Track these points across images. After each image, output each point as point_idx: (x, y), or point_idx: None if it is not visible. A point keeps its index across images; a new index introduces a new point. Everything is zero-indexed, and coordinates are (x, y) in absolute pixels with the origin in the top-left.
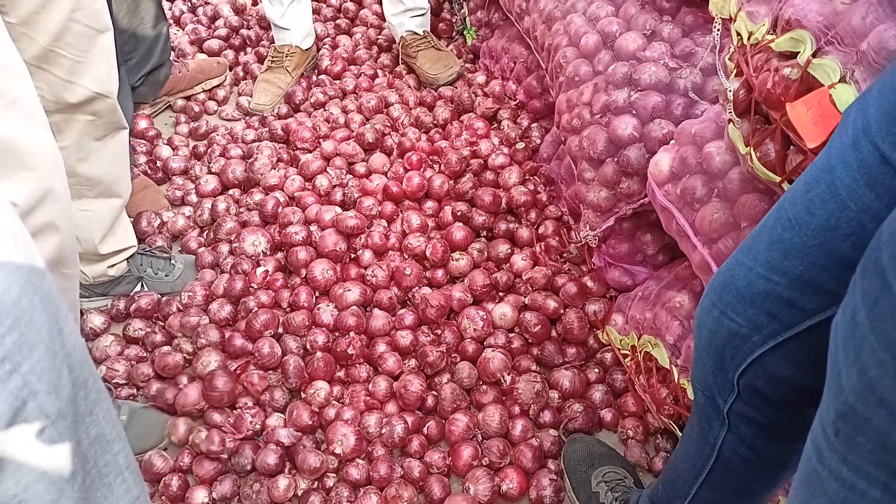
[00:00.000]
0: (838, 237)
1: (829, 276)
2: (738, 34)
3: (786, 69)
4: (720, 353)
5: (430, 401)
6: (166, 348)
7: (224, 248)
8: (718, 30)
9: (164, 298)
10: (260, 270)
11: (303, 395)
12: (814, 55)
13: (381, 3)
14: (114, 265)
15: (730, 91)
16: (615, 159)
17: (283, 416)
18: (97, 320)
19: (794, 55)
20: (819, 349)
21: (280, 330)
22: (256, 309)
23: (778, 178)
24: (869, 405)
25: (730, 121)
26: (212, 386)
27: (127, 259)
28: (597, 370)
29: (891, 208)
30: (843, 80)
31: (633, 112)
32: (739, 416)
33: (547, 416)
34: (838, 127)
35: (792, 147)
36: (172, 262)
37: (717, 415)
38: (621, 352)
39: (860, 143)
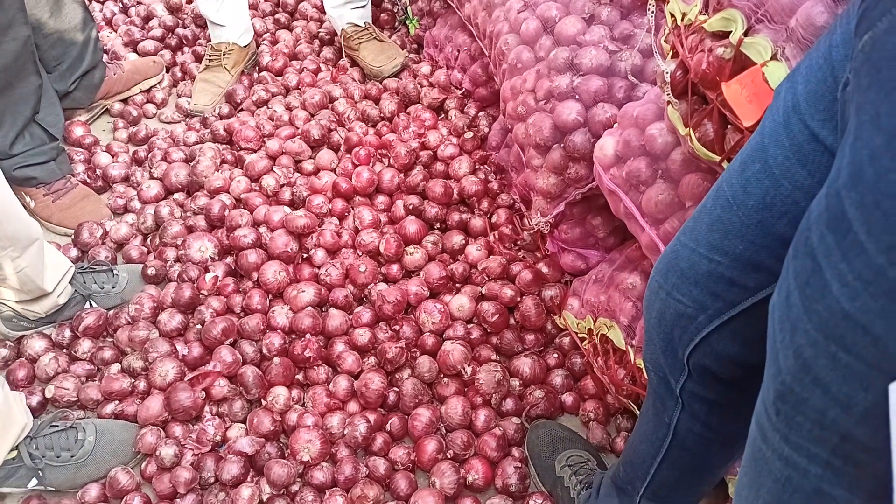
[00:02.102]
0: (774, 215)
1: (768, 253)
2: (672, 16)
3: (719, 49)
4: (669, 333)
5: (391, 397)
6: (114, 368)
7: (170, 254)
8: (653, 12)
9: (111, 312)
10: (209, 276)
11: (263, 403)
12: (745, 34)
13: None
14: (61, 293)
15: (667, 73)
16: (561, 145)
17: (243, 426)
18: (38, 345)
19: (726, 35)
20: (763, 326)
21: (235, 335)
22: (212, 318)
23: (717, 158)
24: (805, 385)
25: (668, 102)
26: (175, 400)
27: (70, 280)
28: (556, 355)
29: (823, 185)
30: (774, 57)
31: (577, 97)
32: (692, 395)
33: (509, 404)
34: (770, 106)
35: (729, 126)
36: (115, 272)
37: (670, 394)
38: (578, 335)
39: (791, 121)
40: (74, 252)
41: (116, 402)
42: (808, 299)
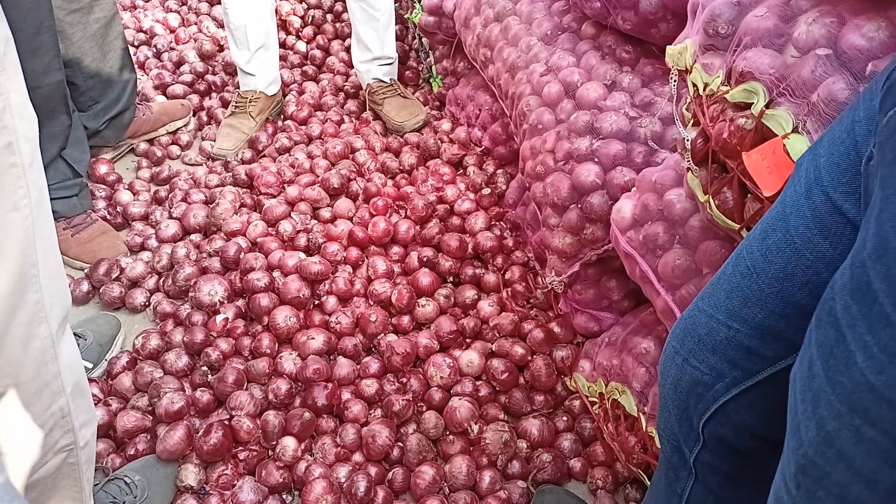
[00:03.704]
0: (795, 285)
1: (788, 323)
2: (694, 85)
3: (740, 119)
4: (684, 401)
5: (395, 452)
6: (130, 413)
7: (167, 306)
8: (675, 81)
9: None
10: (220, 318)
11: (270, 453)
12: (767, 106)
13: (348, 51)
14: None
15: (687, 140)
16: (579, 206)
17: (252, 477)
18: None
19: (748, 106)
20: (781, 398)
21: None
22: (220, 361)
23: (737, 226)
24: (828, 459)
25: (688, 169)
26: (206, 440)
27: None
28: (565, 418)
29: (845, 257)
30: (795, 130)
31: (596, 159)
32: (706, 466)
33: (515, 467)
34: (792, 176)
35: (749, 195)
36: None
37: (683, 464)
38: (589, 399)
39: (813, 192)
40: (86, 286)
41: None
42: (832, 370)
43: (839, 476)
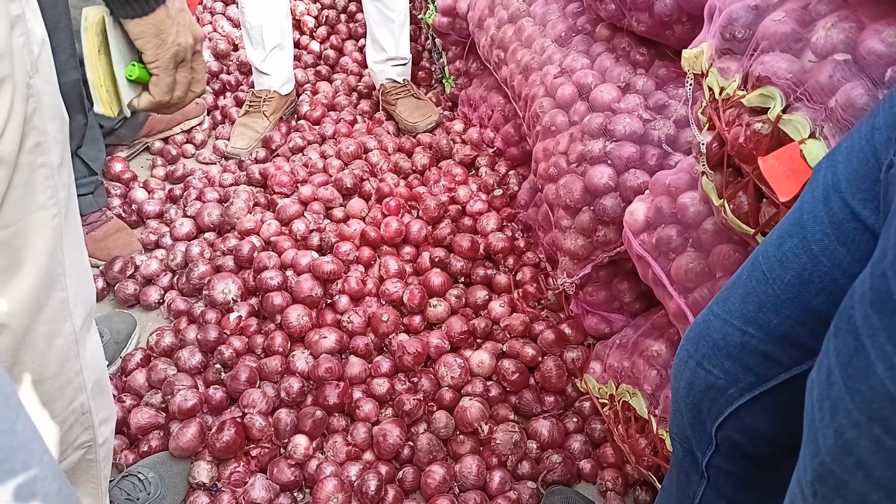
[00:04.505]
0: (811, 291)
1: (804, 329)
2: (710, 89)
3: (757, 124)
4: (698, 405)
5: (406, 451)
6: (144, 410)
7: (181, 303)
8: (691, 84)
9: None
10: (233, 316)
11: (282, 451)
12: (784, 111)
13: (361, 51)
14: None
15: (703, 144)
16: (591, 208)
17: (264, 475)
18: None
19: (764, 110)
20: (795, 404)
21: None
22: (233, 360)
23: (751, 230)
24: (846, 467)
25: (703, 173)
26: (219, 437)
27: None
28: (575, 419)
29: (862, 264)
30: (812, 135)
31: (609, 162)
32: (718, 470)
33: (525, 468)
34: (809, 182)
35: (765, 200)
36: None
37: (695, 468)
38: (600, 401)
39: (830, 198)
40: (101, 283)
41: (146, 440)
42: (851, 378)
43: (857, 485)
